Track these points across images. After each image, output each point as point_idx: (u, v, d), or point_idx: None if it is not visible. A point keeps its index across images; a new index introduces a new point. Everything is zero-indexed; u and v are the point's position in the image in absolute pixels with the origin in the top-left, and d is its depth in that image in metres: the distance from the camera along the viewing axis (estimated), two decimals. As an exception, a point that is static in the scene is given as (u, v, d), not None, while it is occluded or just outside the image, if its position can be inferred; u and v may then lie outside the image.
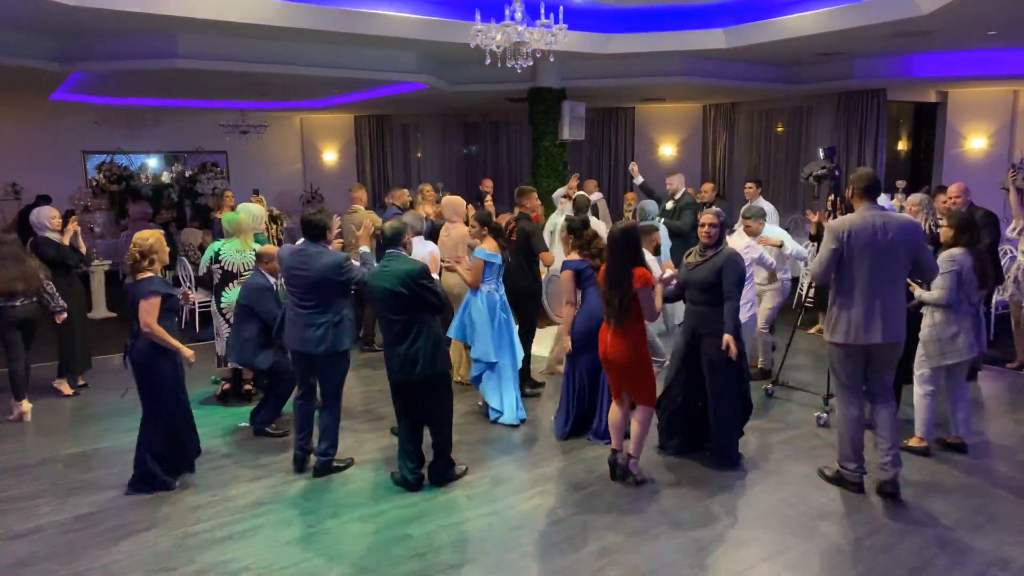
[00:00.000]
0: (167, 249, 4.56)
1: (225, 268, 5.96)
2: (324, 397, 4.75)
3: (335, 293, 4.59)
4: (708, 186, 8.71)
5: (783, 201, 13.15)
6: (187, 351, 4.46)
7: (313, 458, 4.78)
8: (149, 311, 4.29)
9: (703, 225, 4.78)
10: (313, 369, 4.73)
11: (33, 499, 4.46)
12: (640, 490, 4.47)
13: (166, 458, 4.53)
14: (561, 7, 6.92)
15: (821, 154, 5.65)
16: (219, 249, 6.03)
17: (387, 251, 4.46)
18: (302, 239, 4.72)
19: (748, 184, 8.45)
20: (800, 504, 4.30)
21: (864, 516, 4.13)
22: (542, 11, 6.79)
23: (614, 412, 4.61)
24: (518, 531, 4.02)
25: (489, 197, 8.83)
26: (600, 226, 6.93)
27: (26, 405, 5.88)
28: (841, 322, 4.22)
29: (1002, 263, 7.58)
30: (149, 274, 4.39)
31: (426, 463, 4.60)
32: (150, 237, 4.46)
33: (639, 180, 7.99)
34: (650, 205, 7.65)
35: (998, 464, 4.84)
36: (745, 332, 5.77)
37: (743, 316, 5.62)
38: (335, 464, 4.79)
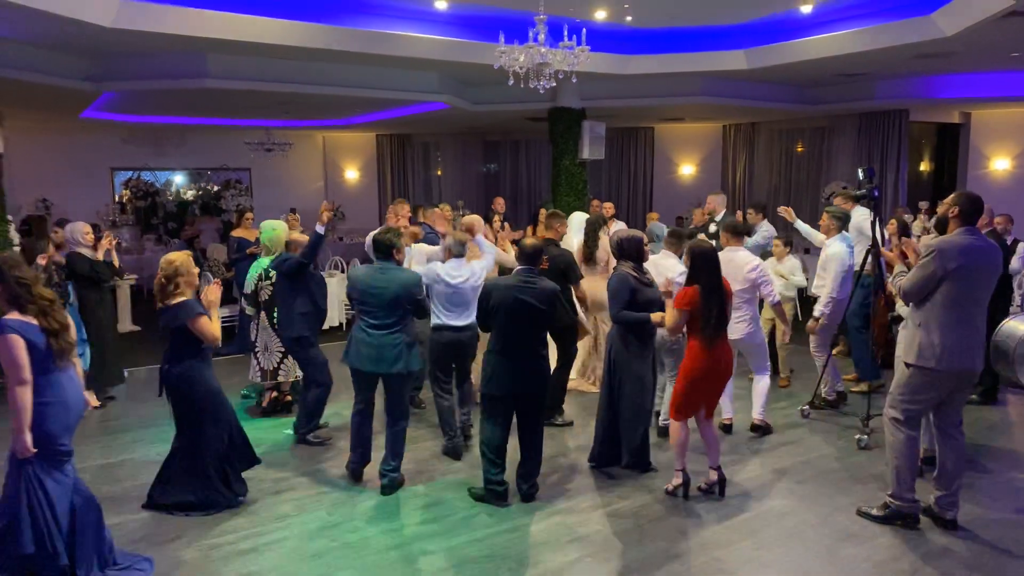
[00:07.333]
0: (195, 271, 4.42)
1: (275, 284, 5.84)
2: (393, 415, 4.77)
3: (407, 311, 4.70)
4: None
5: (804, 221, 13.03)
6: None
7: (367, 472, 4.90)
8: (204, 329, 4.24)
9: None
10: (374, 387, 4.83)
11: (62, 509, 4.51)
12: (661, 508, 4.47)
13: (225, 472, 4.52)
14: (584, 28, 7.00)
15: (860, 175, 5.68)
16: (267, 266, 5.95)
17: (525, 267, 4.57)
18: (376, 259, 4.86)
19: (749, 209, 8.05)
20: (823, 526, 4.27)
21: (888, 540, 4.09)
22: (565, 32, 6.87)
23: (682, 432, 4.58)
24: (539, 548, 4.02)
25: (498, 217, 8.62)
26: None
27: None
28: (932, 345, 3.99)
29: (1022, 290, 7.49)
30: (182, 298, 4.27)
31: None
32: (175, 260, 4.34)
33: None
34: (657, 227, 7.64)
35: (1025, 489, 4.78)
36: (743, 346, 5.67)
37: (742, 331, 5.52)
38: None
